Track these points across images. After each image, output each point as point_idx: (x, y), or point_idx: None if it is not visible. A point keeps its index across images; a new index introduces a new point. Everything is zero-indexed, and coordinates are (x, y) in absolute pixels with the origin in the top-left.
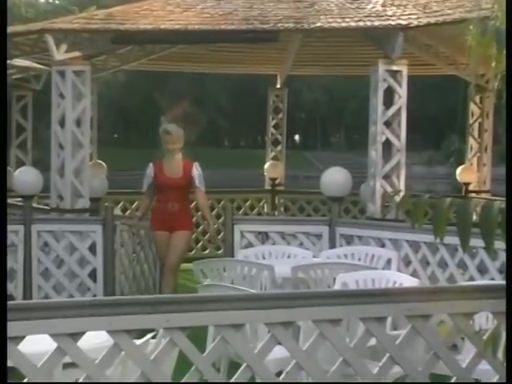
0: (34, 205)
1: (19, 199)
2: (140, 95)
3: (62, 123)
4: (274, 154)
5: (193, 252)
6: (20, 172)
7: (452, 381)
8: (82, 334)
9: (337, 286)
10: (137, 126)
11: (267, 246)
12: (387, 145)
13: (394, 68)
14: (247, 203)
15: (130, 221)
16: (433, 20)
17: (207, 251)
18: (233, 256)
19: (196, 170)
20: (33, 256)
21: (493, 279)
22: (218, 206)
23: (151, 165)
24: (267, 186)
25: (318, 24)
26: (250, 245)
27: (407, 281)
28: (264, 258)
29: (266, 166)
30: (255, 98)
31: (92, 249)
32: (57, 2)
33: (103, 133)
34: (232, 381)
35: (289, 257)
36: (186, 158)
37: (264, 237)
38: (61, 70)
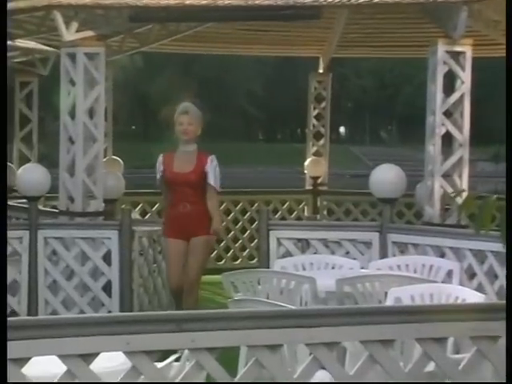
0: (41, 207)
1: (23, 201)
2: (161, 81)
3: (72, 114)
4: (315, 148)
5: (222, 262)
6: (24, 169)
7: None
8: (95, 355)
9: (389, 302)
10: (158, 116)
11: (308, 255)
12: (447, 138)
13: (456, 49)
14: (285, 206)
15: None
16: None
17: (238, 261)
18: (268, 267)
19: (211, 164)
20: (39, 266)
21: None
22: (251, 209)
23: (161, 156)
24: (308, 186)
25: None
26: (288, 254)
27: (471, 296)
28: (304, 269)
29: (307, 162)
30: (294, 84)
31: (107, 258)
32: None
33: (119, 125)
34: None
35: (333, 268)
36: (202, 151)
37: (304, 245)
38: (71, 52)
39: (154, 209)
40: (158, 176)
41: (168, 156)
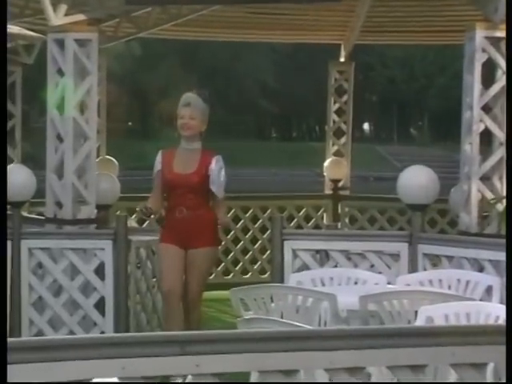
0: (25, 214)
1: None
2: (162, 71)
3: (60, 108)
4: (336, 148)
5: (230, 276)
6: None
7: None
8: (87, 382)
9: (419, 322)
10: (158, 111)
11: (328, 268)
12: (486, 136)
13: (497, 34)
14: (301, 212)
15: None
16: None
17: (248, 275)
18: (282, 282)
19: (215, 166)
20: (22, 281)
21: None
22: (263, 217)
23: (160, 154)
24: (327, 191)
25: None
26: (304, 267)
27: None
28: (323, 285)
29: (326, 163)
30: (312, 75)
31: (99, 272)
32: None
33: (114, 120)
34: None
35: (356, 283)
36: (206, 149)
37: (323, 257)
38: (59, 38)
39: (153, 216)
40: (155, 176)
41: (168, 153)
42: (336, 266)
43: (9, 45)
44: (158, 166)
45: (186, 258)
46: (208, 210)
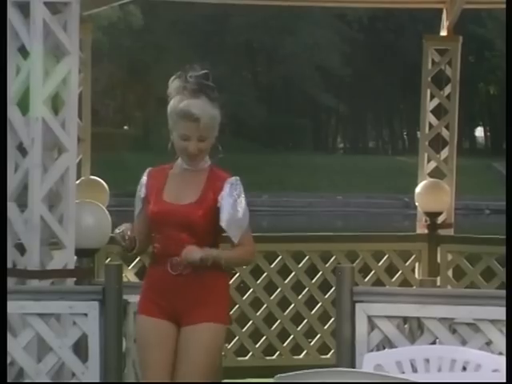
0: None
1: None
2: (173, 51)
3: (23, 105)
4: (433, 164)
5: (274, 357)
6: None
7: None
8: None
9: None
10: (164, 109)
11: (421, 345)
12: None
13: None
14: (381, 262)
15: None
16: None
17: (302, 355)
18: (353, 366)
19: (228, 194)
20: None
21: None
22: (324, 267)
23: (146, 174)
24: (421, 229)
25: None
26: (386, 343)
27: None
28: (415, 370)
29: (419, 188)
30: (395, 56)
31: (80, 349)
32: None
33: (103, 123)
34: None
35: (464, 368)
36: (216, 168)
37: (415, 328)
38: (22, 0)
39: (133, 251)
40: (137, 209)
41: (157, 173)
42: (434, 343)
43: None
44: (141, 191)
45: (176, 336)
46: (218, 263)
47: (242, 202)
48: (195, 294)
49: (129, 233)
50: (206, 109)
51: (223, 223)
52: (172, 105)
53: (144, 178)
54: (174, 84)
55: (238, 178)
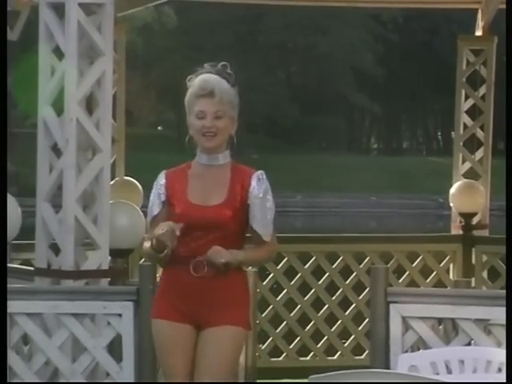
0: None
1: None
2: (208, 51)
3: (57, 106)
4: (468, 165)
5: (308, 357)
6: None
7: None
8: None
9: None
10: None
11: (456, 347)
12: None
13: None
14: (415, 263)
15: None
16: None
17: (336, 356)
18: (388, 366)
19: (257, 189)
20: None
21: None
22: (358, 268)
23: (163, 176)
24: (455, 230)
25: None
26: (421, 344)
27: None
28: (450, 372)
29: (454, 189)
30: (432, 56)
31: (115, 350)
32: None
33: (137, 124)
34: None
35: (500, 370)
36: (238, 164)
37: (449, 329)
38: (56, 1)
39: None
40: (155, 211)
41: (176, 175)
42: (469, 344)
43: None
44: (159, 195)
45: (196, 338)
46: (242, 266)
47: (269, 198)
48: (217, 296)
49: (177, 232)
50: (223, 84)
51: (254, 223)
52: (188, 93)
53: (162, 181)
54: (191, 79)
55: (263, 171)
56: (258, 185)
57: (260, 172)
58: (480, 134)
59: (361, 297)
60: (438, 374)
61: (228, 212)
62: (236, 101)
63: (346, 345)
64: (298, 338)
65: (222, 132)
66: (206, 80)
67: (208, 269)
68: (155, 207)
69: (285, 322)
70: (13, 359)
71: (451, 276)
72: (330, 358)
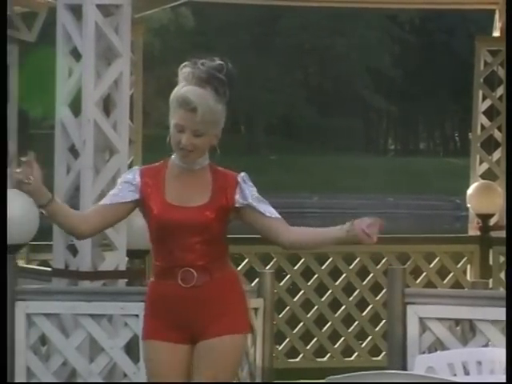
0: (22, 264)
1: None
2: (224, 52)
3: (75, 106)
4: (486, 167)
5: (325, 358)
6: None
7: None
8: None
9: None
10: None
11: (474, 348)
12: None
13: None
14: (432, 264)
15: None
16: None
17: (353, 357)
18: (405, 368)
19: (246, 188)
20: (17, 362)
21: None
22: (375, 269)
23: (138, 172)
24: (473, 231)
25: None
26: (438, 345)
27: None
28: (467, 373)
29: (471, 190)
30: (446, 57)
31: (132, 350)
32: None
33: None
34: None
35: None
36: (216, 166)
37: (467, 330)
38: (74, 2)
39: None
40: (116, 194)
41: (151, 173)
42: (487, 345)
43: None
44: (131, 191)
45: (192, 355)
46: (230, 266)
47: (252, 189)
48: (211, 305)
49: (31, 178)
50: (208, 100)
51: (265, 214)
52: (174, 91)
53: (136, 179)
54: (183, 70)
55: (244, 174)
56: (244, 185)
57: (243, 174)
58: (497, 134)
59: (378, 298)
60: (455, 375)
61: (211, 213)
62: (222, 116)
63: (363, 346)
64: (315, 339)
65: (200, 149)
66: (189, 96)
67: (198, 277)
68: (116, 198)
69: (302, 323)
70: (31, 359)
71: (468, 277)
72: (347, 358)
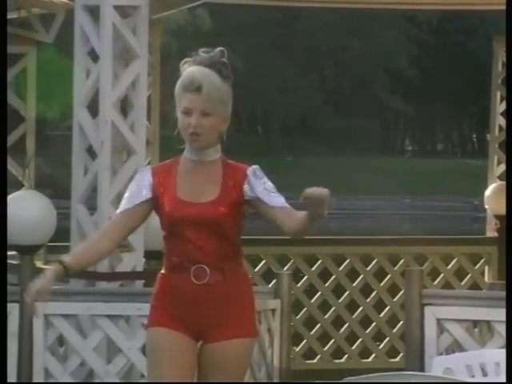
0: (39, 265)
1: (10, 253)
2: (242, 53)
3: (93, 108)
4: (503, 167)
5: (343, 359)
6: (12, 201)
7: None
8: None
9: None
10: (242, 109)
11: (492, 349)
12: None
13: None
14: (450, 265)
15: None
16: None
17: (370, 358)
18: (423, 369)
19: (254, 180)
20: (35, 363)
21: None
22: (392, 270)
23: (149, 172)
24: (491, 232)
25: None
26: (456, 346)
27: None
28: (485, 375)
29: (489, 191)
30: (464, 58)
31: None
32: None
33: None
34: None
35: None
36: (228, 159)
37: (485, 331)
38: (92, 4)
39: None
40: (129, 204)
41: (163, 170)
42: (505, 346)
43: (18, 15)
44: (145, 191)
45: (199, 356)
46: (244, 269)
47: (265, 181)
48: (222, 306)
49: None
50: (213, 79)
51: (273, 205)
52: (178, 82)
53: (148, 176)
54: (184, 66)
55: (256, 167)
56: (253, 177)
57: (255, 166)
58: None
59: (395, 299)
60: (473, 376)
61: (223, 208)
62: (228, 97)
63: (380, 347)
64: (333, 340)
65: (209, 131)
66: (193, 74)
67: (211, 275)
68: (130, 200)
69: (319, 324)
70: (48, 360)
71: (486, 278)
72: (364, 360)
